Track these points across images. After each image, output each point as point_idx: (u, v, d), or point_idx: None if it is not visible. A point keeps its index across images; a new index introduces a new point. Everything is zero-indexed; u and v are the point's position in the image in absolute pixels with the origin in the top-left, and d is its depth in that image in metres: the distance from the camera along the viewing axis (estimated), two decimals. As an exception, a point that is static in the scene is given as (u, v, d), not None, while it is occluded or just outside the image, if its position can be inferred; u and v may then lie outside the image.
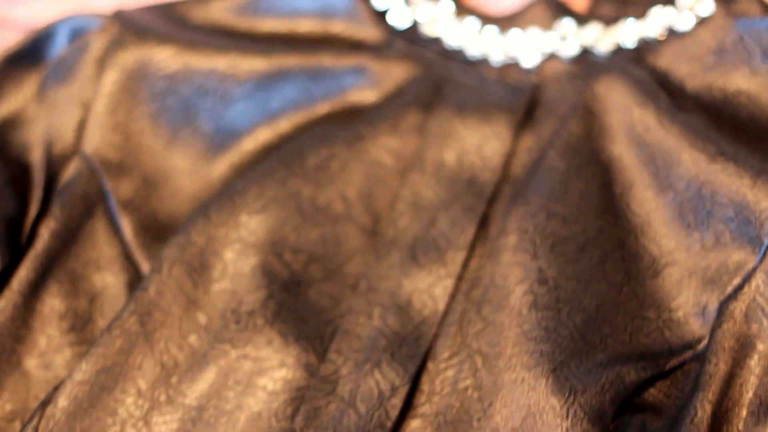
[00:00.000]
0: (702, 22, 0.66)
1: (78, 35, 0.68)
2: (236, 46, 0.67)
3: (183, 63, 0.66)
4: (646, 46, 0.67)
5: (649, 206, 0.59)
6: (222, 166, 0.65)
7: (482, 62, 0.69)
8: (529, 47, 0.68)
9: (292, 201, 0.61)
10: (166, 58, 0.66)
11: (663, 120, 0.61)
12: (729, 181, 0.57)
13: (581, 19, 0.69)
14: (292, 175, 0.62)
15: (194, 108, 0.66)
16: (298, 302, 0.58)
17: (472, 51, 0.69)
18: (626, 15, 0.69)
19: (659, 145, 0.60)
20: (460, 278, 0.59)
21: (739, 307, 0.54)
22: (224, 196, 0.61)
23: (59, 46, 0.69)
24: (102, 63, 0.66)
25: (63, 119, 0.65)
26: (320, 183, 0.62)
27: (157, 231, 0.63)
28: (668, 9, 0.68)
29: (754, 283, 0.54)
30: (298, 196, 0.61)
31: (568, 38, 0.68)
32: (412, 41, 0.70)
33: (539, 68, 0.68)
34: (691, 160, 0.58)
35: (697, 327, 0.55)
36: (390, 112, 0.65)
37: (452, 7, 0.72)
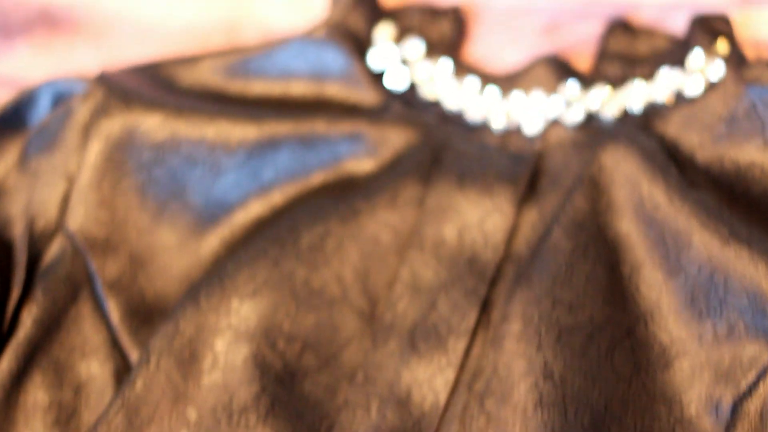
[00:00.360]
0: (712, 87, 0.63)
1: (61, 100, 0.65)
2: (226, 112, 0.64)
3: (171, 131, 0.63)
4: (653, 112, 0.64)
5: (659, 289, 0.56)
6: (213, 241, 0.62)
7: (483, 128, 0.65)
8: (532, 112, 0.65)
9: (286, 284, 0.58)
10: (152, 126, 0.63)
11: (673, 197, 0.58)
12: (743, 267, 0.54)
13: (586, 81, 0.66)
14: (285, 255, 0.59)
15: (183, 179, 0.63)
16: (292, 395, 0.56)
17: (473, 115, 0.66)
18: (633, 75, 0.66)
19: (669, 225, 0.57)
20: (461, 368, 0.56)
21: (753, 405, 0.51)
22: (214, 279, 0.58)
23: (42, 110, 0.66)
24: (86, 131, 0.63)
25: (46, 192, 0.62)
26: (315, 264, 0.59)
27: (145, 313, 0.60)
28: (676, 70, 0.65)
29: (769, 379, 0.51)
30: (292, 278, 0.58)
31: (573, 104, 0.65)
32: (409, 104, 0.67)
33: (542, 135, 0.64)
34: (703, 243, 0.56)
35: (709, 424, 0.52)
36: (387, 184, 0.62)
37: (451, 65, 0.69)
